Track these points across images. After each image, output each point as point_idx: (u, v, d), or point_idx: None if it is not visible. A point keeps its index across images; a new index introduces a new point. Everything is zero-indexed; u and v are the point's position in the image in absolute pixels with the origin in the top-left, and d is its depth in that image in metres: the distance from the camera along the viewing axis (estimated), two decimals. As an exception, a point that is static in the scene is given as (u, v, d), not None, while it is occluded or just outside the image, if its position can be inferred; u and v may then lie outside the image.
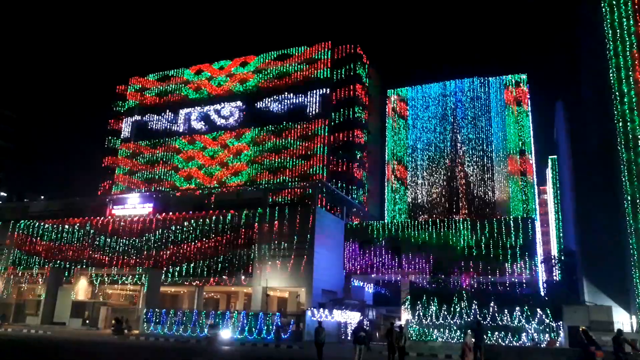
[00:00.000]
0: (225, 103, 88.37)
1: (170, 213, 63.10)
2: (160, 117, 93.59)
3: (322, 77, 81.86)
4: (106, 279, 56.94)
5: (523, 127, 80.00)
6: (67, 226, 67.33)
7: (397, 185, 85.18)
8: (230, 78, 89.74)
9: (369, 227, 64.22)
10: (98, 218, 66.65)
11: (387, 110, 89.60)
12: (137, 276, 55.24)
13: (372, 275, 65.67)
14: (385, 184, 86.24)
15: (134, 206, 67.71)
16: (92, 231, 65.65)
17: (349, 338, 46.95)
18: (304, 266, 54.06)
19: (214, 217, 60.13)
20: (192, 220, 61.01)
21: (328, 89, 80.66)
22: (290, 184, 73.65)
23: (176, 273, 59.26)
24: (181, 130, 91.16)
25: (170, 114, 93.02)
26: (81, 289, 58.18)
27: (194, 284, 58.75)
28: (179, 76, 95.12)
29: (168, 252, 60.80)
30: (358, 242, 65.93)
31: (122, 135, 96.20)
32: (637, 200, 43.50)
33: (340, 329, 47.89)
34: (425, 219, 73.33)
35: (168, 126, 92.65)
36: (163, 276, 58.36)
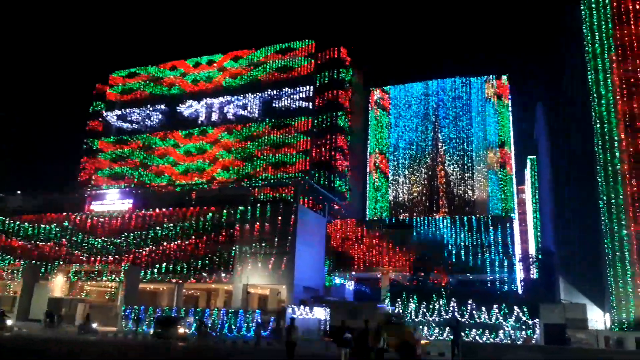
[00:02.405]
0: (208, 99, 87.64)
1: (150, 209, 62.48)
2: (140, 113, 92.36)
3: (305, 75, 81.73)
4: (84, 275, 56.17)
5: (504, 127, 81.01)
6: (44, 222, 66.14)
7: (379, 183, 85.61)
8: (212, 75, 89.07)
9: (351, 225, 64.56)
10: (76, 214, 65.64)
11: (370, 109, 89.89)
12: (115, 273, 54.62)
13: (353, 273, 66.07)
14: (367, 182, 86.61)
15: (113, 202, 66.88)
16: (70, 227, 64.63)
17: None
18: (285, 263, 54.05)
19: (194, 214, 59.71)
20: (173, 217, 60.50)
21: (311, 87, 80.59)
22: (273, 181, 73.49)
23: (155, 270, 58.74)
24: (162, 127, 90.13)
25: (151, 110, 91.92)
26: (58, 286, 57.29)
27: (174, 281, 58.32)
28: (158, 73, 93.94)
29: (147, 248, 60.21)
30: (340, 239, 66.27)
31: (102, 131, 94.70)
32: (613, 201, 44.50)
33: (320, 325, 47.97)
34: (406, 217, 74.00)
35: (149, 122, 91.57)
36: (142, 273, 57.78)
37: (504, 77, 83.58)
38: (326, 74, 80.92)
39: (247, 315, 44.53)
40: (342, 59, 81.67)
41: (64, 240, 64.23)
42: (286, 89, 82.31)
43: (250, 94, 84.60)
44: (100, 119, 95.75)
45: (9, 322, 41.26)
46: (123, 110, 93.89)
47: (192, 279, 57.75)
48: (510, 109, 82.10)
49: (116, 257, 60.54)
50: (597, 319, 44.28)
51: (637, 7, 48.37)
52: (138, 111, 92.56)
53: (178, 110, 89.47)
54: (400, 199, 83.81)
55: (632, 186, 44.38)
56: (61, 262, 61.33)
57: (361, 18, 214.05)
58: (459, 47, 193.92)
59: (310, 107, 79.80)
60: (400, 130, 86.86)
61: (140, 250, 60.33)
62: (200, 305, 63.71)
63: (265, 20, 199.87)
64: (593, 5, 49.87)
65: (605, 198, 44.87)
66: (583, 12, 50.19)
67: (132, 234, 61.45)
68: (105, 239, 62.38)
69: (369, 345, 21.54)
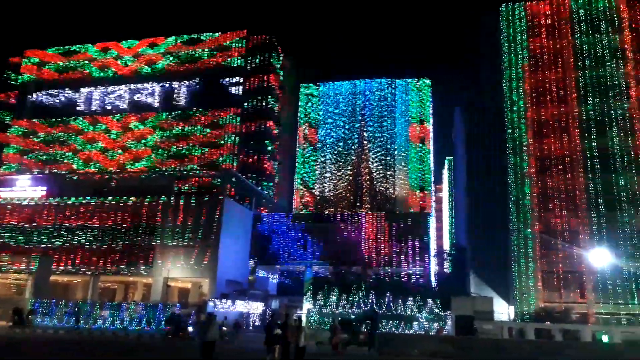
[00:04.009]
0: (133, 84, 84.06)
1: (66, 197, 59.23)
2: (59, 94, 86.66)
3: (235, 65, 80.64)
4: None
5: (425, 129, 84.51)
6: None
7: (307, 178, 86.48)
8: (138, 59, 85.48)
9: (277, 218, 64.84)
10: (-20, 200, 60.92)
11: (299, 103, 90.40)
12: (24, 264, 51.38)
13: (277, 266, 66.46)
14: (295, 176, 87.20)
15: (24, 189, 62.68)
16: (-28, 214, 59.87)
17: (250, 328, 47.23)
18: (208, 256, 53.32)
19: (113, 204, 57.39)
20: (90, 206, 57.79)
21: (241, 78, 79.64)
22: (198, 172, 71.99)
23: (69, 261, 55.87)
24: (82, 110, 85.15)
25: (70, 91, 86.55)
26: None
27: (89, 273, 55.78)
28: (82, 52, 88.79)
29: (61, 238, 57.12)
30: (265, 232, 66.36)
31: (15, 111, 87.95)
32: (521, 202, 48.06)
33: (242, 319, 47.95)
34: (330, 212, 75.41)
35: (68, 105, 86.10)
36: (54, 264, 54.74)
37: (427, 81, 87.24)
38: (256, 61, 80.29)
39: (167, 309, 43.58)
40: (274, 45, 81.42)
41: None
42: (214, 78, 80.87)
43: (176, 82, 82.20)
44: (12, 96, 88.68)
45: None
46: (40, 91, 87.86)
47: (109, 272, 55.52)
48: (431, 111, 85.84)
49: (26, 247, 56.88)
50: (503, 311, 47.72)
51: (549, 21, 52.43)
52: (52, 93, 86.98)
53: (97, 95, 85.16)
54: (326, 194, 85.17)
55: (538, 188, 48.18)
56: (-39, 252, 56.74)
57: (294, 14, 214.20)
58: (386, 51, 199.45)
59: (239, 98, 78.97)
60: (328, 127, 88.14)
61: (53, 241, 57.13)
62: (117, 298, 61.41)
63: (197, 11, 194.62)
64: (510, 17, 53.44)
65: (514, 199, 48.38)
66: (500, 23, 53.63)
67: (44, 224, 58.01)
68: (14, 228, 58.41)
69: (288, 340, 20.12)
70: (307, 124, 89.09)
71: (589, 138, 48.10)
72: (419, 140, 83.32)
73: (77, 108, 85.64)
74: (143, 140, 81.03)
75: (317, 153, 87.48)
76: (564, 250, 45.78)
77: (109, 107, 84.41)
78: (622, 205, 45.75)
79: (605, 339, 37.91)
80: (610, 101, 48.47)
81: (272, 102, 79.09)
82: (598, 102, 48.79)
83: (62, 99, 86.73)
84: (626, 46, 48.94)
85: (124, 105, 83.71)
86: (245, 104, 78.44)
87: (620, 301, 43.53)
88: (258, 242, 66.08)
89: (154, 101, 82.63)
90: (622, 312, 43.36)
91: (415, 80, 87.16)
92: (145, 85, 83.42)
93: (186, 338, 35.40)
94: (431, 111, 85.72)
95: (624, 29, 49.35)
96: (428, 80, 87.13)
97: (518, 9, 53.30)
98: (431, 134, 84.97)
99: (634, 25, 48.65)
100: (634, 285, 43.58)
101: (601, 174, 46.86)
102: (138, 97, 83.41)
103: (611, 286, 43.93)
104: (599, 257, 43.84)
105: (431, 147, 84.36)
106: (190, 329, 37.14)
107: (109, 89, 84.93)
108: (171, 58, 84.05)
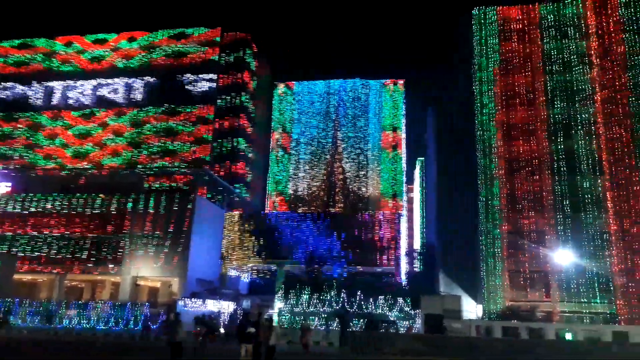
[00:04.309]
0: (101, 79, 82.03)
1: (32, 194, 57.63)
2: (22, 88, 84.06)
3: (210, 62, 79.78)
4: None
5: (398, 129, 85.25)
6: None
7: (280, 177, 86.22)
8: (107, 53, 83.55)
9: (250, 217, 64.51)
10: (-60, 196, 58.73)
11: (273, 102, 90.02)
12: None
13: (250, 265, 66.11)
14: (269, 175, 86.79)
15: (-13, 185, 60.82)
16: None
17: (221, 330, 46.84)
18: (179, 255, 52.68)
19: (81, 201, 56.12)
20: (57, 203, 56.38)
21: (215, 75, 78.85)
22: (170, 169, 70.92)
23: (34, 260, 54.40)
24: (47, 105, 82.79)
25: (35, 85, 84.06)
26: None
27: (55, 271, 54.44)
28: (46, 46, 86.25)
29: (26, 236, 55.58)
30: (237, 231, 65.95)
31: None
32: (490, 202, 49.00)
33: (213, 318, 47.53)
34: (304, 211, 75.41)
35: (31, 99, 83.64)
36: (19, 262, 53.23)
37: (401, 82, 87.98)
38: (231, 61, 79.71)
39: (136, 309, 42.92)
40: (249, 43, 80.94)
41: None
42: (187, 75, 79.84)
43: (149, 77, 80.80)
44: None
45: None
46: (5, 83, 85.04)
47: (75, 270, 54.30)
48: (404, 112, 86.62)
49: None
50: (471, 309, 48.59)
51: (520, 26, 53.57)
52: (22, 87, 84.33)
53: (66, 89, 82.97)
54: (299, 193, 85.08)
55: (506, 189, 49.22)
56: None
57: (269, 12, 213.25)
58: (361, 51, 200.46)
59: (212, 95, 78.15)
60: (302, 126, 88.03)
61: (18, 238, 55.53)
62: (84, 297, 60.12)
63: (169, 7, 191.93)
64: (482, 21, 54.41)
65: (483, 199, 49.30)
66: (474, 26, 54.53)
67: (7, 220, 56.33)
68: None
69: (260, 339, 19.93)
70: (280, 123, 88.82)
71: (555, 141, 49.35)
72: (391, 148, 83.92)
73: (41, 102, 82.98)
74: (114, 137, 79.31)
75: (291, 152, 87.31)
76: (531, 250, 46.89)
77: (77, 102, 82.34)
78: (587, 206, 47.11)
79: (568, 336, 39.07)
80: (577, 105, 49.84)
81: (246, 100, 78.63)
82: (565, 106, 50.11)
83: (25, 92, 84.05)
84: (592, 52, 50.39)
85: (92, 100, 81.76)
86: (219, 101, 77.75)
87: (583, 300, 44.85)
88: (230, 240, 65.59)
89: (120, 97, 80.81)
90: (584, 311, 44.68)
91: (389, 80, 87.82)
92: (113, 80, 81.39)
93: (216, 340, 34.23)
94: (404, 112, 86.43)
95: (591, 36, 50.79)
96: (401, 81, 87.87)
97: (490, 14, 54.29)
98: (404, 142, 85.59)
99: (599, 32, 50.10)
100: (596, 285, 44.94)
101: (567, 176, 48.15)
102: (102, 93, 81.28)
103: (574, 285, 45.21)
104: (564, 257, 45.09)
105: (403, 155, 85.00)
106: (222, 330, 36.43)
107: (78, 83, 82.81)
108: (142, 54, 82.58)
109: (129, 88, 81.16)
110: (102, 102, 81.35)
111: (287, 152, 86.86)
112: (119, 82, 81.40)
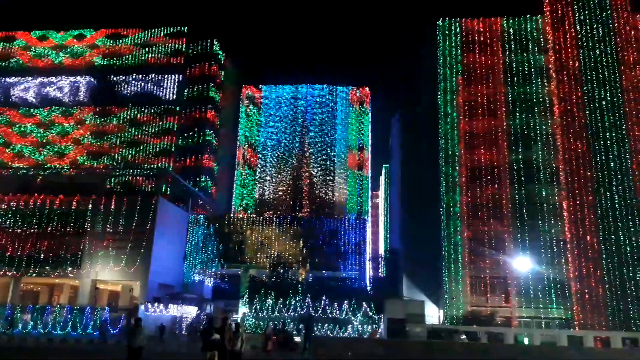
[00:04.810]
0: (61, 77, 79.89)
1: (-16, 194, 55.50)
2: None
3: (175, 63, 78.87)
4: None
5: (363, 135, 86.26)
6: None
7: (247, 180, 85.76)
8: (65, 51, 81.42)
9: (214, 221, 63.86)
10: None
11: (241, 104, 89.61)
12: None
13: (213, 269, 65.44)
14: (235, 179, 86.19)
15: (-64, 183, 58.09)
16: None
17: (184, 332, 46.24)
18: (140, 259, 51.66)
19: (39, 202, 54.40)
20: (12, 203, 54.46)
21: (181, 77, 78.00)
22: (133, 171, 69.49)
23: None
24: (11, 103, 80.00)
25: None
26: None
27: (9, 274, 52.51)
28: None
29: (-22, 238, 53.44)
30: (202, 235, 65.19)
31: None
32: (451, 209, 50.13)
33: (175, 323, 46.89)
34: (270, 215, 75.21)
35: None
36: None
37: (366, 89, 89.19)
38: (197, 59, 79.04)
39: (95, 313, 41.89)
40: (215, 51, 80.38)
41: None
42: (153, 74, 78.79)
43: (113, 76, 79.20)
44: None
45: None
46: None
47: (32, 273, 52.52)
48: (369, 118, 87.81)
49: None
50: (433, 314, 49.48)
51: (482, 38, 55.17)
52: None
53: (29, 85, 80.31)
54: (266, 197, 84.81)
55: (467, 197, 50.47)
56: None
57: (236, 13, 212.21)
58: (329, 58, 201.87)
59: (178, 96, 77.33)
60: (269, 130, 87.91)
61: (-31, 239, 53.35)
62: (40, 301, 58.16)
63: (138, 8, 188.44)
64: (447, 32, 55.77)
65: (445, 206, 50.40)
66: (438, 36, 55.81)
67: (-41, 221, 54.05)
68: None
69: (225, 345, 19.49)
70: (247, 127, 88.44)
71: (515, 151, 50.98)
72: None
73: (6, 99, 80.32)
74: (74, 137, 77.25)
75: (258, 156, 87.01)
76: (491, 257, 48.19)
77: (35, 100, 79.85)
78: (544, 215, 48.83)
79: (526, 341, 40.35)
80: (536, 117, 51.65)
81: (212, 105, 77.89)
82: (525, 117, 51.84)
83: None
84: (550, 66, 52.36)
85: (51, 98, 79.45)
86: (185, 101, 76.94)
87: (540, 305, 46.36)
88: (194, 244, 64.79)
89: (85, 95, 79.06)
90: (541, 316, 46.21)
91: (355, 88, 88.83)
92: (78, 78, 79.66)
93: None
94: (369, 118, 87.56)
95: (549, 50, 52.78)
96: (367, 89, 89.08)
97: (454, 25, 55.69)
98: (370, 140, 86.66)
99: (557, 47, 52.11)
100: (552, 291, 46.55)
101: (525, 185, 49.79)
102: (68, 90, 79.51)
103: (532, 291, 46.69)
104: (522, 264, 46.52)
105: (369, 154, 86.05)
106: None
107: (38, 80, 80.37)
108: (100, 52, 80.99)
109: (85, 86, 79.47)
110: (60, 101, 79.37)
111: (255, 153, 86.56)
112: (78, 80, 79.60)
